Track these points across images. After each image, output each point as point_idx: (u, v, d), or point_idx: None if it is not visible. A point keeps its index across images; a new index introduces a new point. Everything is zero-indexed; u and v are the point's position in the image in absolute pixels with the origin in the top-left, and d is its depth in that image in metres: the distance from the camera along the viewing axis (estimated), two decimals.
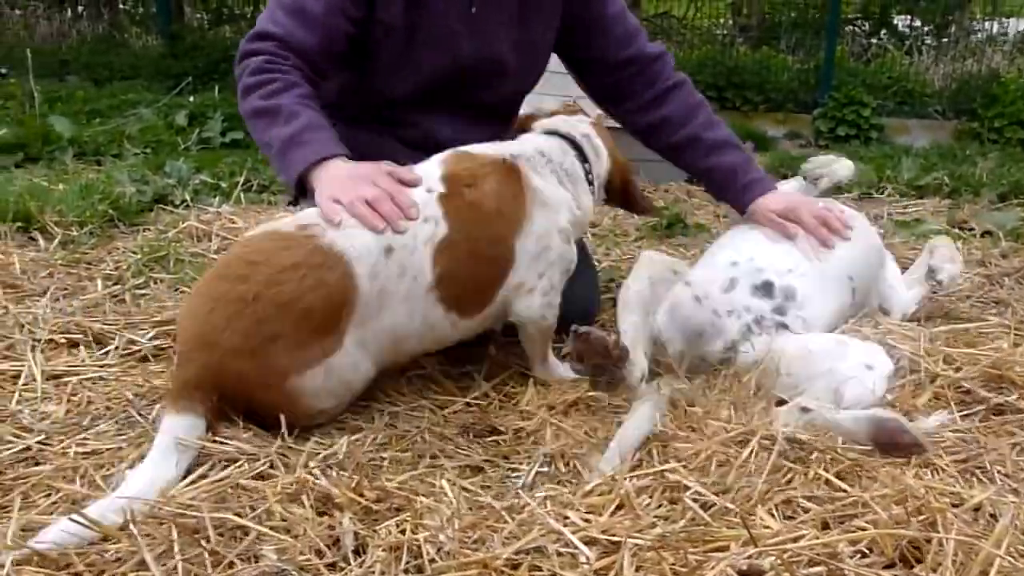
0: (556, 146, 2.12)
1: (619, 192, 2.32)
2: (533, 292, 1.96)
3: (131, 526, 1.31)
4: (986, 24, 8.10)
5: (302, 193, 1.93)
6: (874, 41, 8.35)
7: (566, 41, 2.43)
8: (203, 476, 1.51)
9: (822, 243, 2.17)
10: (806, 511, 1.42)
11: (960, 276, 2.51)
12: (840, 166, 2.59)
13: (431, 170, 1.92)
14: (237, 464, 1.55)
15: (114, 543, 1.30)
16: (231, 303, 1.62)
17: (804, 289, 2.05)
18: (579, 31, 2.40)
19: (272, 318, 1.61)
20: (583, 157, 2.16)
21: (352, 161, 1.91)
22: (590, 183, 2.16)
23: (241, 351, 1.61)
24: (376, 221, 1.74)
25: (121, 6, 10.64)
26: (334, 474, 1.53)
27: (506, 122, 2.44)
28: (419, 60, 2.20)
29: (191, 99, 6.31)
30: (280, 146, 1.92)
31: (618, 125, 2.53)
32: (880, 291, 2.42)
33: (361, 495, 1.45)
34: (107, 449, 1.63)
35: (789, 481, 1.52)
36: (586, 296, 2.36)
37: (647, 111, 2.41)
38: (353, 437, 1.70)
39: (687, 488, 1.48)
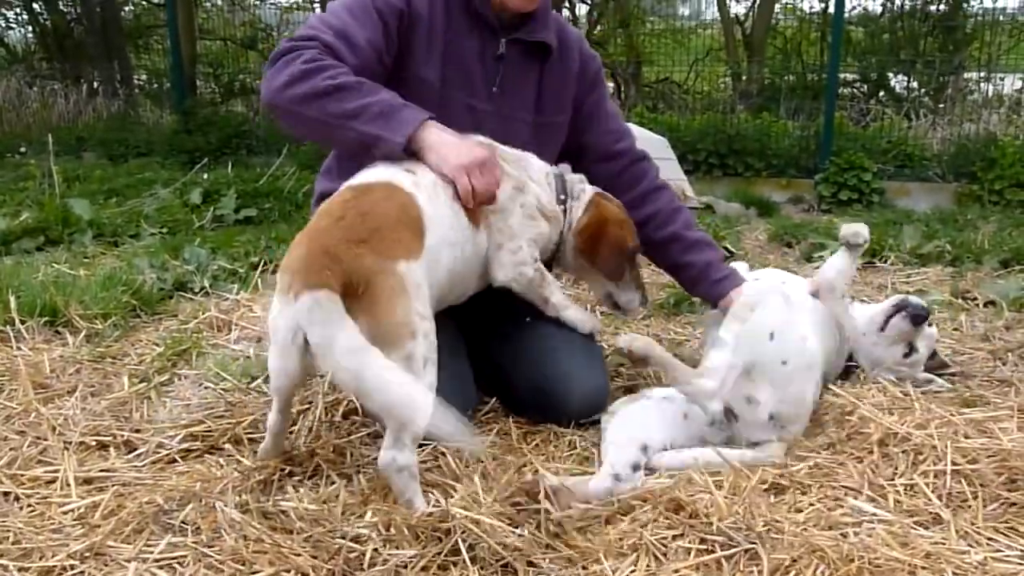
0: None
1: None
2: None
3: None
4: (982, 86, 8.26)
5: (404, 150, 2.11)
6: (872, 105, 8.51)
7: (570, 125, 2.64)
8: None
9: None
10: None
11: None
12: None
13: None
14: None
15: None
16: (338, 218, 1.94)
17: None
18: (582, 117, 2.63)
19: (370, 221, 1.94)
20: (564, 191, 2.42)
21: (447, 129, 2.17)
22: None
23: (354, 239, 1.88)
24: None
25: (136, 81, 10.96)
26: None
27: None
28: (449, 121, 2.31)
29: (205, 176, 6.47)
30: (379, 109, 2.12)
31: None
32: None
33: None
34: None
35: None
36: (596, 383, 2.43)
37: (636, 208, 2.59)
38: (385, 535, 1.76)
39: None
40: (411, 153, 2.13)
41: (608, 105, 2.72)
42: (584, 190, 2.47)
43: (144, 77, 11.13)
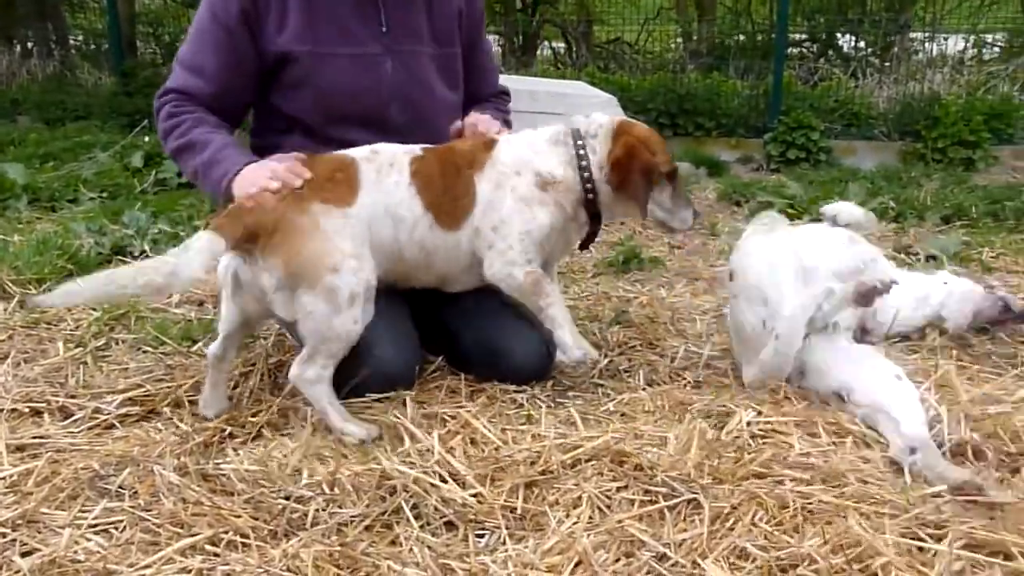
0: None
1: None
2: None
3: None
4: (926, 45, 8.36)
5: (230, 200, 2.17)
6: (820, 64, 8.57)
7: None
8: None
9: None
10: (751, 560, 1.49)
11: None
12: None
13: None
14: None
15: None
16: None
17: None
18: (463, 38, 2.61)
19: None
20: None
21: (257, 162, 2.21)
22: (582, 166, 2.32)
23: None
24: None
25: (72, 41, 10.58)
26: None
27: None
28: (342, 84, 2.36)
29: (146, 139, 6.28)
30: (203, 171, 2.25)
31: None
32: None
33: (336, 565, 1.50)
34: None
35: (733, 528, 1.60)
36: (542, 339, 2.40)
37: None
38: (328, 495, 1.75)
39: (642, 543, 1.55)
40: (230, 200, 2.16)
41: (486, 46, 2.73)
42: (601, 124, 2.35)
43: (80, 37, 10.73)
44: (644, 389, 2.32)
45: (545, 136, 2.35)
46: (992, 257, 3.83)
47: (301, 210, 2.03)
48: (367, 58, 2.39)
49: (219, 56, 2.33)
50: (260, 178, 2.09)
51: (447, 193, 2.23)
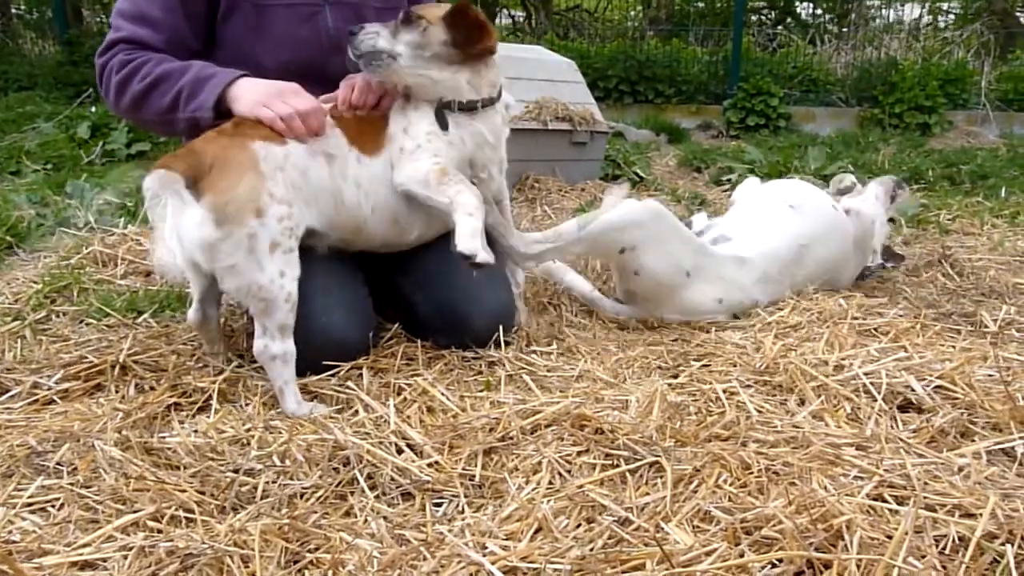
0: None
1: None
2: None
3: None
4: (883, 12, 8.39)
5: (219, 116, 2.10)
6: (779, 31, 8.57)
7: None
8: None
9: None
10: (715, 522, 1.46)
11: None
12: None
13: None
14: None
15: None
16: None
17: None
18: None
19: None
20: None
21: (257, 78, 2.13)
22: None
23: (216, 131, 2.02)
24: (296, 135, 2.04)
25: (14, 10, 10.21)
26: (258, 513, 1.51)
27: None
28: (281, 33, 2.28)
29: (92, 110, 6.09)
30: (189, 90, 2.12)
31: None
32: None
33: (285, 538, 1.43)
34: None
35: (696, 491, 1.56)
36: (500, 300, 2.37)
37: None
38: (280, 467, 1.68)
39: (603, 508, 1.51)
40: (225, 114, 2.10)
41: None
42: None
43: (23, 5, 10.35)
44: (604, 352, 2.29)
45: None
46: (949, 219, 3.86)
47: (241, 145, 1.95)
48: (305, 8, 2.30)
49: (164, 1, 2.21)
50: (276, 105, 2.03)
51: (364, 123, 2.17)
